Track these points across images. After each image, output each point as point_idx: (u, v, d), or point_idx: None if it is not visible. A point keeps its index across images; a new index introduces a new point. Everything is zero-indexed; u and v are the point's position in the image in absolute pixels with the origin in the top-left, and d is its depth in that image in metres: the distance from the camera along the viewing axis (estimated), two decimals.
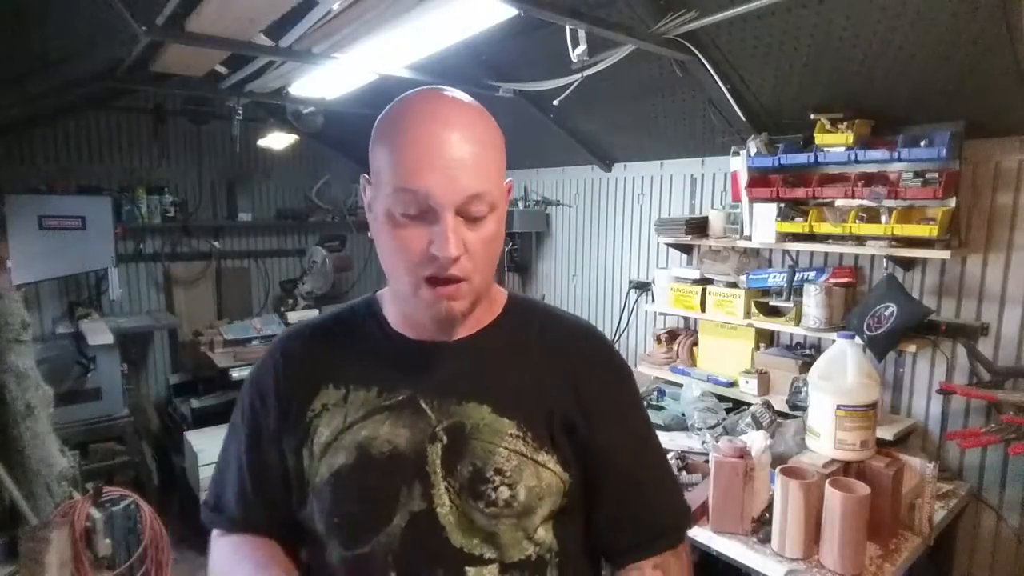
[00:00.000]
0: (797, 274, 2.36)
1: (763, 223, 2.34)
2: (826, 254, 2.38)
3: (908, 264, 2.19)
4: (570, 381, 0.83)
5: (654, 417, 2.51)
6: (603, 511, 0.85)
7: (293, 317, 4.26)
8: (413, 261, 0.72)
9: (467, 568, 0.76)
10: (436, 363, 0.81)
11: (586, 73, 2.14)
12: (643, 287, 3.11)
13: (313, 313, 4.37)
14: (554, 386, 0.82)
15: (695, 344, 2.79)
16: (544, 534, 0.80)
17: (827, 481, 1.63)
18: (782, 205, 2.29)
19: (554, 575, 0.80)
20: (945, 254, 1.96)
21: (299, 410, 0.82)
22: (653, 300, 2.97)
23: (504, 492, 0.76)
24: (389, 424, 0.78)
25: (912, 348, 2.08)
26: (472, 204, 0.70)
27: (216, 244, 4.34)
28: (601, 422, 0.83)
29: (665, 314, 2.97)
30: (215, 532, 0.90)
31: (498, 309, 0.87)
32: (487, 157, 0.72)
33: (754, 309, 2.45)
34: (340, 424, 0.80)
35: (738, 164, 2.42)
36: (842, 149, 2.08)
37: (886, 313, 2.04)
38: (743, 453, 1.75)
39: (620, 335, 3.23)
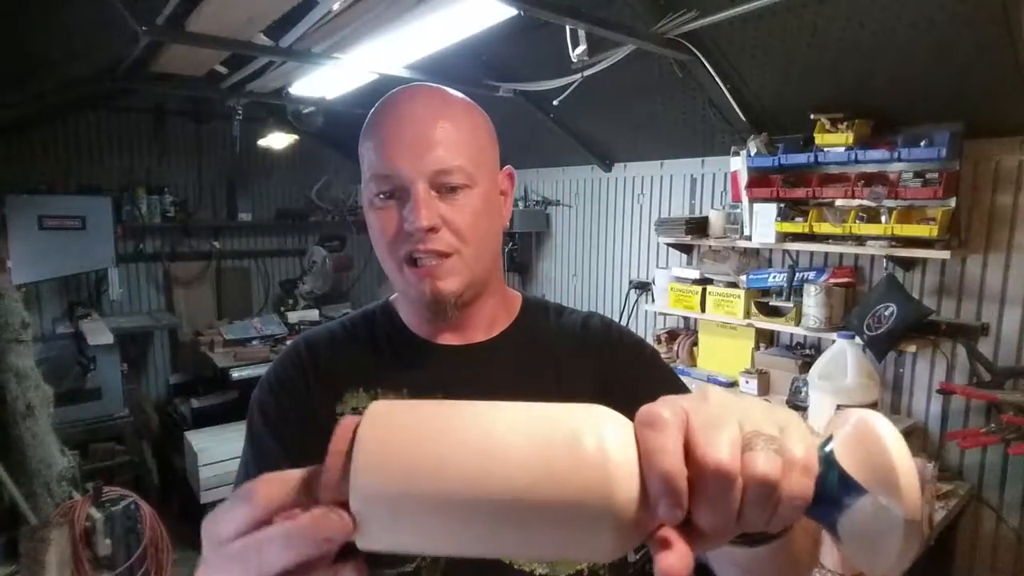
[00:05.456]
0: (797, 274, 2.36)
1: (763, 223, 2.34)
2: (826, 254, 2.38)
3: (908, 264, 2.18)
4: (599, 373, 0.80)
5: None
6: None
7: (293, 317, 4.26)
8: (389, 242, 0.70)
9: None
10: (463, 366, 0.77)
11: (586, 73, 2.14)
12: (643, 287, 3.11)
13: (313, 313, 4.37)
14: (583, 386, 0.79)
15: (695, 344, 2.79)
16: None
17: None
18: (782, 205, 2.29)
19: None
20: (945, 254, 1.95)
21: (327, 412, 0.75)
22: (653, 300, 2.97)
23: None
24: None
25: (912, 348, 2.08)
26: (443, 178, 0.68)
27: (216, 244, 4.34)
28: (635, 388, 0.81)
29: (665, 314, 2.97)
30: None
31: (515, 311, 0.84)
32: (460, 135, 0.70)
33: (754, 309, 2.45)
34: None
35: (738, 164, 2.42)
36: (842, 149, 2.07)
37: (886, 313, 2.04)
38: None
39: None
